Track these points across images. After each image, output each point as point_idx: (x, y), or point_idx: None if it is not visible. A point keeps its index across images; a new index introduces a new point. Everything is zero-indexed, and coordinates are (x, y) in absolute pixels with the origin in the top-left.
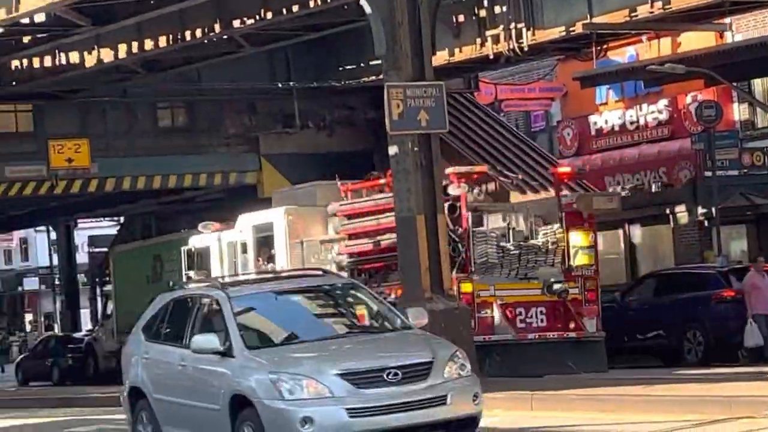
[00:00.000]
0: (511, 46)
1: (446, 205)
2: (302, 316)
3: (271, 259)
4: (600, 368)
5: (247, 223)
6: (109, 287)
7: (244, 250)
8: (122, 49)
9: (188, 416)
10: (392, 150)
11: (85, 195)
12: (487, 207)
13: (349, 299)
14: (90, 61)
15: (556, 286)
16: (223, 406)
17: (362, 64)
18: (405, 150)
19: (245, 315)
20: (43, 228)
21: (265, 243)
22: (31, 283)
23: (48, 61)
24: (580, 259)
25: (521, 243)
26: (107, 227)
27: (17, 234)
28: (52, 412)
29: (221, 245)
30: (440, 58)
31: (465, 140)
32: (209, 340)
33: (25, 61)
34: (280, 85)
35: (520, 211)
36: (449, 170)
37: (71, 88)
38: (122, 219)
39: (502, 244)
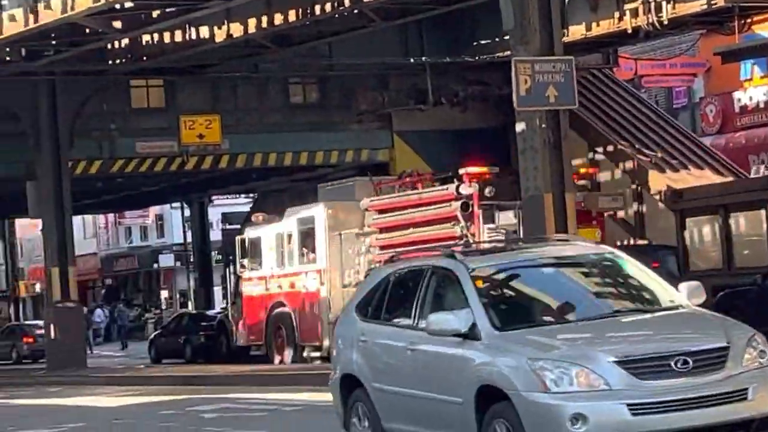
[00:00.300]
0: (650, 20)
1: (459, 203)
2: (560, 291)
3: (313, 250)
4: None
5: (292, 216)
6: None
7: (290, 241)
8: (252, 23)
9: (418, 410)
10: (519, 127)
11: (216, 171)
12: (498, 205)
13: (610, 271)
14: (220, 35)
15: None
16: (467, 399)
17: (497, 39)
18: (532, 127)
19: (490, 289)
20: (178, 205)
21: (307, 235)
22: (166, 260)
23: (178, 36)
24: None
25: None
26: (242, 204)
27: (153, 210)
28: (178, 390)
29: (271, 236)
30: (576, 32)
31: (603, 117)
32: (448, 320)
33: (155, 36)
34: (412, 61)
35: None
36: (462, 171)
37: (202, 63)
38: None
39: (508, 237)
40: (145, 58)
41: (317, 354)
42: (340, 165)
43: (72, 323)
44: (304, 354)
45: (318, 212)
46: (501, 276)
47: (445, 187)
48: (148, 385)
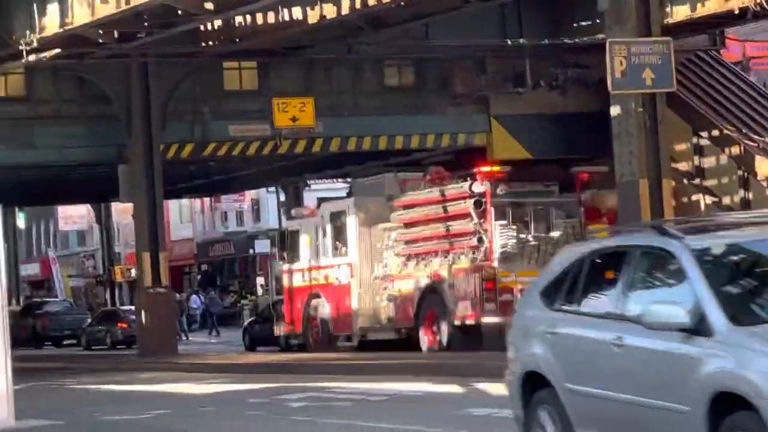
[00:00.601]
0: (758, 0)
1: (472, 201)
2: None
3: (344, 243)
4: None
5: (326, 210)
6: None
7: (324, 234)
8: (345, 4)
9: (626, 418)
10: (614, 111)
11: (310, 155)
12: (510, 202)
13: None
14: (313, 17)
15: None
16: (696, 408)
17: (597, 20)
18: (627, 110)
19: (721, 274)
20: (273, 189)
21: (339, 229)
22: (262, 246)
23: (271, 18)
24: None
25: (540, 235)
26: (340, 189)
27: (249, 195)
28: (269, 377)
29: (308, 229)
30: (681, 12)
31: (708, 100)
32: (673, 312)
33: (248, 18)
34: (510, 43)
35: (541, 206)
36: (475, 170)
37: (295, 45)
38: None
39: (522, 235)
40: (237, 40)
41: (349, 343)
42: (436, 149)
43: (163, 309)
44: (338, 343)
45: (349, 206)
46: (733, 257)
47: (459, 185)
48: (239, 372)
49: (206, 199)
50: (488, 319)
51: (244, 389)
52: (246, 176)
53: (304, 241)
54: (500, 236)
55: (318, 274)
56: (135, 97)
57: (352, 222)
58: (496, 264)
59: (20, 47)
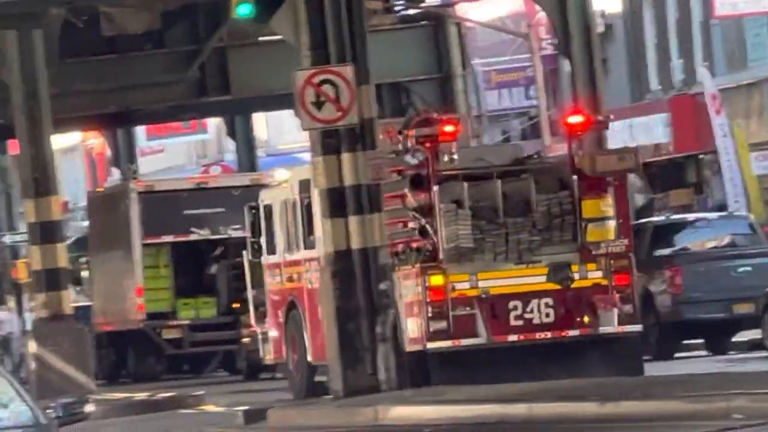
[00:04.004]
0: None
1: (409, 175)
2: None
3: (312, 228)
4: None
5: (295, 177)
6: None
7: (294, 214)
8: None
9: None
10: None
11: None
12: (465, 174)
13: None
14: None
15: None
16: None
17: None
18: None
19: None
20: None
21: (308, 207)
22: None
23: None
24: (593, 234)
25: (507, 220)
26: None
27: None
28: None
29: (278, 204)
30: None
31: None
32: None
33: None
34: None
35: (516, 176)
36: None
37: None
38: None
39: (480, 222)
40: None
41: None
42: None
43: None
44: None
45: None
46: None
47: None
48: None
49: None
50: (435, 345)
51: None
52: None
53: (279, 223)
54: (449, 225)
55: (290, 271)
56: None
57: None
58: (447, 266)
59: None
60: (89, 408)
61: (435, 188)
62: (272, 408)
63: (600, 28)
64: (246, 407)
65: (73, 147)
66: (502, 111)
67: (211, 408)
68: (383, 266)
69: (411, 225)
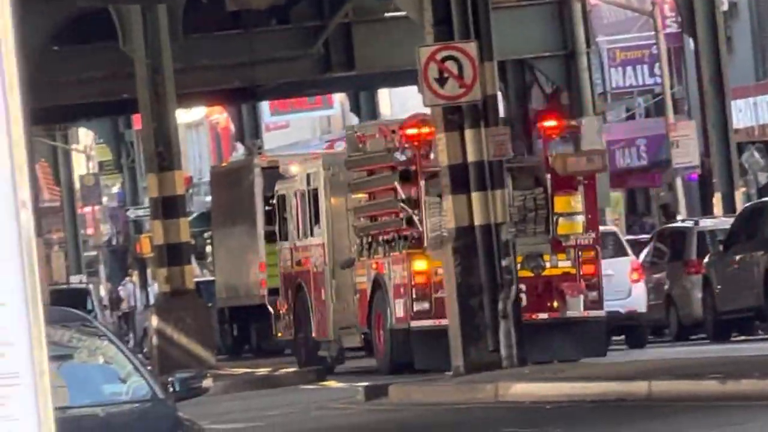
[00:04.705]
0: None
1: (399, 171)
2: None
3: (318, 216)
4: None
5: (303, 170)
6: None
7: (303, 203)
8: None
9: None
10: None
11: None
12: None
13: None
14: None
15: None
16: None
17: None
18: None
19: None
20: None
21: (315, 197)
22: None
23: None
24: (563, 228)
25: None
26: None
27: None
28: None
29: (291, 194)
30: None
31: None
32: None
33: None
34: None
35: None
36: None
37: None
38: None
39: None
40: None
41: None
42: None
43: None
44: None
45: (318, 169)
46: None
47: (383, 152)
48: None
49: None
50: (419, 323)
51: None
52: None
53: (290, 212)
54: (433, 216)
55: (299, 256)
56: None
57: (322, 188)
58: (429, 251)
59: None
60: (207, 383)
61: (422, 183)
62: (393, 384)
63: (724, 6)
64: (367, 383)
65: (197, 122)
66: (626, 89)
67: (332, 384)
68: (505, 242)
69: (401, 215)
